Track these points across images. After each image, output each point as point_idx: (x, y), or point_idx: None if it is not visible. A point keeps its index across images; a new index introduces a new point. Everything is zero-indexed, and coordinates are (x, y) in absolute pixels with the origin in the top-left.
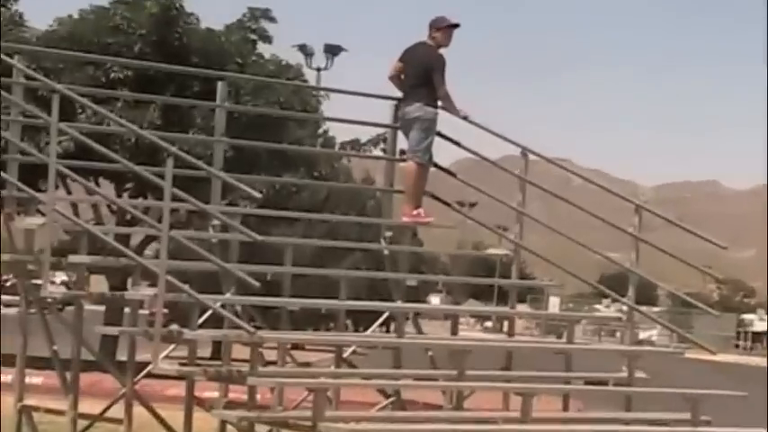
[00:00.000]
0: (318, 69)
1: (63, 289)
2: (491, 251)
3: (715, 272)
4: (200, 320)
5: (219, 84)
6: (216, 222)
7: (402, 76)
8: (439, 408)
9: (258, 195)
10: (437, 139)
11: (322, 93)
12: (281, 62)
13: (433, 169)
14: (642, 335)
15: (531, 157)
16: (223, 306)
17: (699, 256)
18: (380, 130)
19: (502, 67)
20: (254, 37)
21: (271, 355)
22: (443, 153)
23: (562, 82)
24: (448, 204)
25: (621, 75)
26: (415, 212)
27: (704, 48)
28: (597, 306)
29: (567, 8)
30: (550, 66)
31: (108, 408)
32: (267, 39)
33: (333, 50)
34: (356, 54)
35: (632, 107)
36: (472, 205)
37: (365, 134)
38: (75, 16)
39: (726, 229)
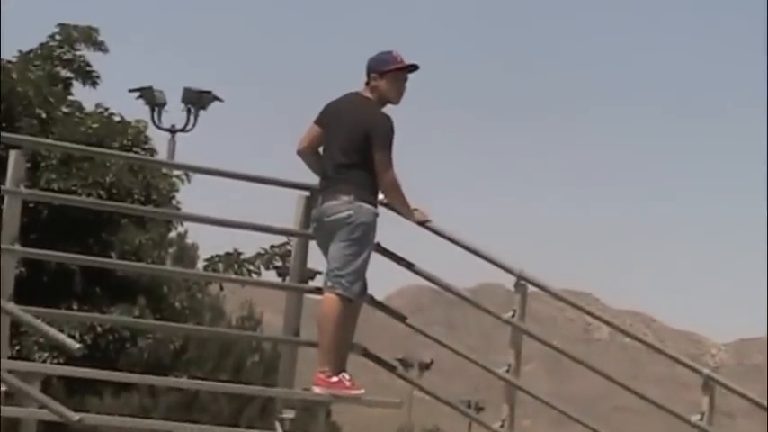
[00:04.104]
0: (173, 131)
1: None
2: None
3: None
4: None
5: (13, 153)
6: (2, 388)
7: (321, 150)
8: None
9: (76, 346)
10: (376, 256)
11: (179, 171)
12: (112, 117)
13: (366, 307)
14: None
15: (531, 288)
16: None
17: None
18: (278, 239)
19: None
20: (67, 74)
21: None
22: (384, 279)
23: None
24: (390, 367)
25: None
26: (334, 379)
27: None
28: None
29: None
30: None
31: None
32: (90, 77)
33: (198, 100)
34: (237, 105)
35: (688, 221)
36: (426, 367)
37: (251, 244)
38: None
39: None
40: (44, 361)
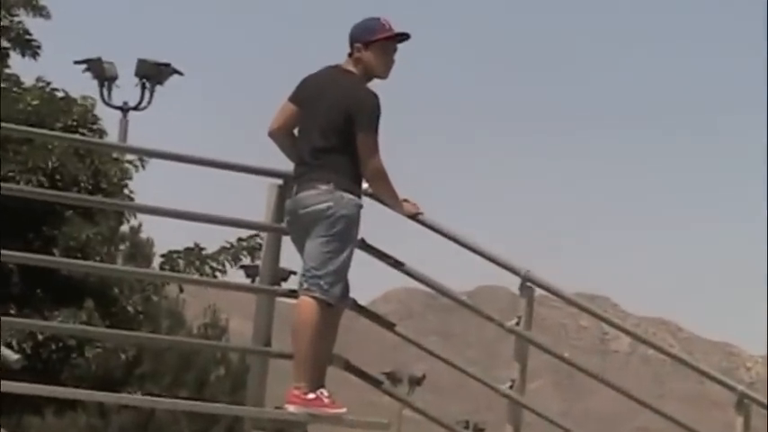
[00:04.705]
0: (125, 109)
1: None
2: None
3: None
4: None
5: None
6: None
7: (296, 131)
8: None
9: (13, 357)
10: (359, 254)
11: (132, 156)
12: (55, 93)
13: (349, 313)
14: None
15: (539, 291)
16: None
17: None
18: (245, 232)
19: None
20: (4, 43)
21: None
22: (370, 280)
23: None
24: (376, 382)
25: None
26: (311, 396)
27: None
28: None
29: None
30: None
31: None
32: (30, 47)
33: (154, 73)
34: (200, 80)
35: (719, 218)
36: (417, 382)
37: (215, 239)
38: None
39: None
40: None
